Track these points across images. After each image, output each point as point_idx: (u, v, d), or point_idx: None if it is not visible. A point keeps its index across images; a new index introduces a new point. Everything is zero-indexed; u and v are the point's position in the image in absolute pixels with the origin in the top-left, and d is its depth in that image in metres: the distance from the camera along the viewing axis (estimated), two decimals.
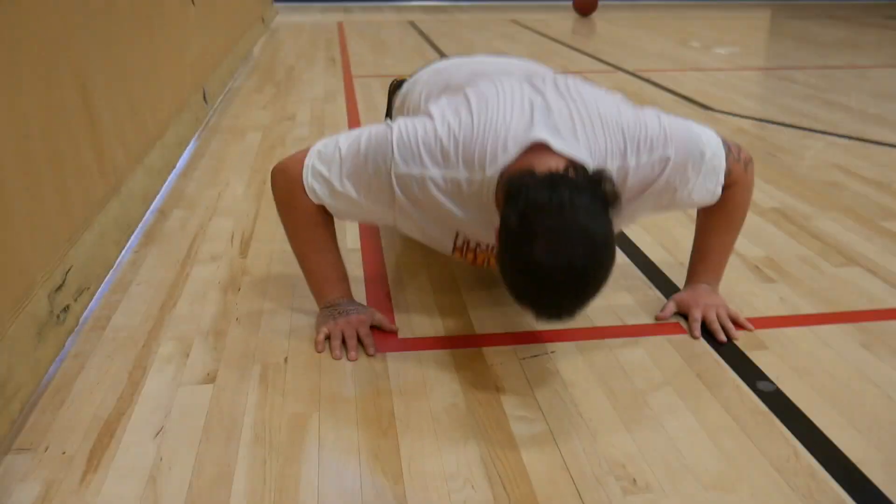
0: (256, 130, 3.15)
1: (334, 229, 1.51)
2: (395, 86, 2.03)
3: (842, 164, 2.66)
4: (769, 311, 1.64)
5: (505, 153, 1.28)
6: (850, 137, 3.02)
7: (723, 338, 1.51)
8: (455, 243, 1.48)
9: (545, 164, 1.23)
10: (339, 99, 3.75)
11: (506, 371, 1.42)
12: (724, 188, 1.48)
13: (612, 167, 1.33)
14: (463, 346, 1.51)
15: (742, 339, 1.52)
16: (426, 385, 1.38)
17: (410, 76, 1.89)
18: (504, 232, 1.17)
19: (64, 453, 1.20)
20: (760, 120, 3.32)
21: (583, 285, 1.14)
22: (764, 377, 1.40)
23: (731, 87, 4.06)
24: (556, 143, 1.27)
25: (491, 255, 1.50)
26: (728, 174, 1.46)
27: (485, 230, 1.40)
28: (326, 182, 1.41)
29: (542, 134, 1.28)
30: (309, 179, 1.42)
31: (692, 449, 1.21)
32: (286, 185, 1.45)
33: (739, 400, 1.33)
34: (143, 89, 2.28)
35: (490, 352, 1.49)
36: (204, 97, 3.22)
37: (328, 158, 1.41)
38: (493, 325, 1.58)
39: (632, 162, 1.34)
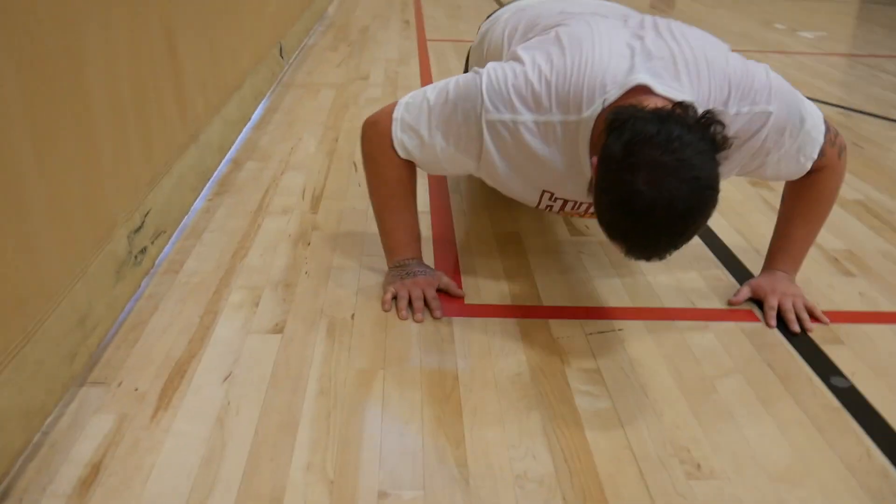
0: (330, 88, 3.16)
1: (416, 188, 1.51)
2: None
3: None
4: (847, 305, 1.59)
5: (604, 94, 1.23)
6: None
7: (797, 328, 1.46)
8: (539, 202, 1.45)
9: (650, 104, 1.17)
10: (413, 62, 3.73)
11: (572, 345, 1.41)
12: (815, 171, 1.43)
13: None
14: (529, 315, 1.50)
15: (817, 332, 1.47)
16: (491, 352, 1.37)
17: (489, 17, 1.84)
18: (604, 160, 1.11)
19: (136, 389, 1.23)
20: (846, 108, 3.20)
21: (682, 225, 1.08)
22: (838, 372, 1.36)
23: (815, 73, 3.92)
24: (658, 87, 1.22)
25: (577, 213, 1.47)
26: (822, 154, 1.41)
27: (575, 184, 1.35)
28: (416, 133, 1.39)
29: (644, 77, 1.22)
30: (398, 133, 1.41)
31: (760, 439, 1.18)
32: (376, 138, 1.45)
33: (812, 394, 1.30)
34: (225, 40, 2.30)
35: (556, 324, 1.47)
36: (280, 52, 3.24)
37: (416, 109, 1.40)
38: (561, 297, 1.57)
39: (733, 110, 1.29)
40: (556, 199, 1.43)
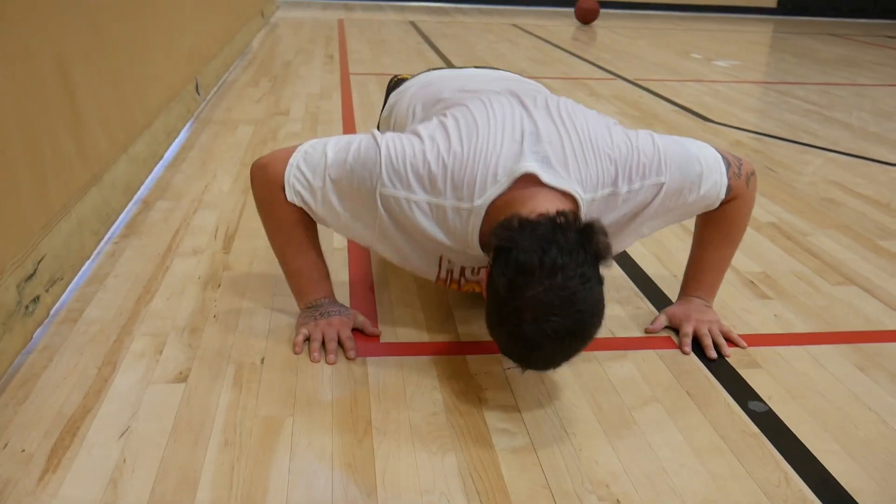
0: (248, 124, 3.10)
1: (316, 228, 1.46)
2: (393, 85, 1.98)
3: (840, 182, 2.62)
4: (763, 328, 1.60)
5: (495, 184, 1.26)
6: (849, 154, 2.99)
7: (713, 354, 1.46)
8: (439, 271, 1.43)
9: (535, 205, 1.21)
10: (335, 96, 3.70)
11: (490, 381, 1.37)
12: (724, 202, 1.44)
13: (603, 194, 1.31)
14: (447, 353, 1.46)
15: (734, 357, 1.47)
16: (406, 393, 1.33)
17: (410, 77, 1.84)
18: (492, 293, 1.17)
19: (23, 451, 1.14)
20: (759, 133, 3.29)
21: (569, 349, 1.17)
22: (756, 397, 1.35)
23: (730, 100, 4.02)
24: (545, 176, 1.25)
25: (476, 285, 1.46)
26: (728, 190, 1.42)
27: (468, 256, 1.37)
28: (309, 187, 1.36)
29: (532, 166, 1.26)
30: (291, 180, 1.37)
31: (679, 469, 1.16)
32: (267, 183, 1.40)
33: (730, 419, 1.29)
34: (131, 76, 2.22)
35: (474, 360, 1.44)
36: (197, 88, 3.17)
37: (314, 163, 1.36)
38: (479, 333, 1.53)
39: (623, 188, 1.32)
40: (454, 265, 1.42)
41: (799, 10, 9.28)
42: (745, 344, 1.50)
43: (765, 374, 1.43)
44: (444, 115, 1.38)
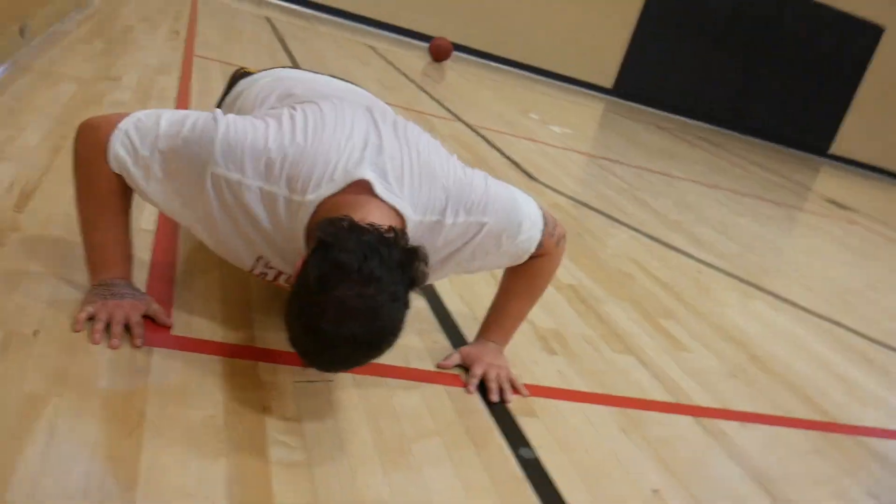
0: (72, 82, 2.89)
1: (131, 204, 1.40)
2: (238, 76, 1.93)
3: (639, 259, 2.84)
4: (546, 381, 1.69)
5: (330, 183, 1.27)
6: (650, 237, 3.25)
7: (496, 398, 1.53)
8: (254, 267, 1.41)
9: (365, 214, 1.23)
10: (174, 73, 3.54)
11: (277, 392, 1.35)
12: (532, 256, 1.52)
13: (430, 220, 1.35)
14: (238, 356, 1.43)
15: (515, 404, 1.55)
16: (188, 390, 1.28)
17: (256, 72, 1.81)
18: (301, 282, 1.16)
19: None
20: (576, 201, 3.50)
21: (358, 357, 1.19)
22: (528, 444, 1.43)
23: (557, 163, 4.26)
24: (379, 188, 1.27)
25: (287, 285, 1.46)
26: (540, 245, 1.51)
27: (288, 258, 1.36)
28: (133, 154, 1.30)
29: (369, 174, 1.28)
30: (116, 145, 1.30)
31: (445, 503, 1.20)
32: (92, 144, 1.32)
33: (501, 462, 1.35)
34: None
35: (266, 368, 1.41)
36: (21, 31, 2.92)
37: (145, 130, 1.30)
38: (276, 341, 1.51)
39: (449, 220, 1.37)
40: (270, 267, 1.41)
41: (631, 96, 10.02)
42: (527, 392, 1.59)
43: (540, 423, 1.51)
44: (294, 108, 1.38)
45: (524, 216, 1.47)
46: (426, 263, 1.20)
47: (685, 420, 1.71)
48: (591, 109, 8.05)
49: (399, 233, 1.20)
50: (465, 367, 1.61)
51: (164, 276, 1.64)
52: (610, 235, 3.07)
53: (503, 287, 1.63)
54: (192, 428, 1.19)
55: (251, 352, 1.45)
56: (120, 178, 1.33)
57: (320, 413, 1.33)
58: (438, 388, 1.52)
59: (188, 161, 1.28)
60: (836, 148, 11.29)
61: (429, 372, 1.58)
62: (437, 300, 1.93)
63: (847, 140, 11.26)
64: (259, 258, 1.39)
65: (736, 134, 10.46)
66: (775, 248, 3.91)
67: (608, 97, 9.88)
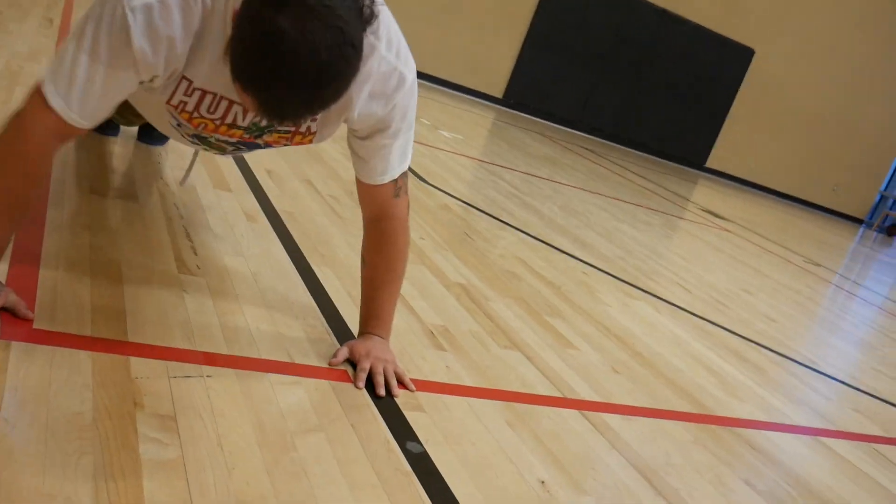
0: None
1: (29, 204, 1.33)
2: None
3: (525, 260, 2.88)
4: (434, 376, 1.67)
5: None
6: (537, 238, 3.30)
7: (383, 392, 1.50)
8: (174, 93, 1.32)
9: None
10: (45, 62, 3.34)
11: (151, 387, 1.28)
12: (385, 219, 1.53)
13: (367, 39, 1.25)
14: (109, 350, 1.34)
15: (402, 398, 1.52)
16: (51, 387, 1.19)
17: None
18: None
19: None
20: (466, 203, 3.52)
21: (321, 78, 1.05)
22: (415, 438, 1.40)
23: (447, 168, 4.27)
24: None
25: (211, 122, 1.39)
26: (398, 191, 1.52)
27: (220, 70, 1.24)
28: (67, 75, 1.21)
29: None
30: (51, 90, 1.22)
31: (330, 500, 1.16)
32: (14, 121, 1.26)
33: (387, 457, 1.32)
34: None
35: (139, 363, 1.33)
36: None
37: (62, 58, 1.23)
38: (152, 335, 1.43)
39: (383, 47, 1.31)
40: (193, 90, 1.31)
41: (520, 106, 10.22)
42: (413, 388, 1.56)
43: (427, 418, 1.49)
44: None
45: (411, 127, 1.46)
46: (373, 4, 1.11)
47: (570, 414, 1.73)
48: (481, 117, 8.15)
49: None
50: (353, 362, 1.57)
51: (28, 267, 1.52)
52: (498, 237, 3.10)
53: (365, 277, 1.62)
54: (55, 426, 1.10)
55: (122, 346, 1.37)
56: (34, 173, 1.28)
57: (197, 409, 1.26)
58: (323, 384, 1.48)
59: (108, 27, 1.18)
60: (711, 162, 11.87)
61: (313, 367, 1.53)
62: (324, 296, 1.88)
63: (721, 155, 11.87)
64: (182, 79, 1.30)
65: (619, 146, 10.84)
66: (656, 253, 4.05)
67: (498, 107, 10.04)
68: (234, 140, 1.51)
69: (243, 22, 1.06)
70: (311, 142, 1.50)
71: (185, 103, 1.36)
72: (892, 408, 2.67)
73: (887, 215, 13.05)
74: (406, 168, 1.54)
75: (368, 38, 1.22)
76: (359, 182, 1.54)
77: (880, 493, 1.88)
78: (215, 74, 1.30)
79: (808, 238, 7.89)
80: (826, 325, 3.92)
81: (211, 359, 1.42)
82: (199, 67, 1.29)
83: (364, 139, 1.46)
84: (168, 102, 1.36)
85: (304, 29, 1.01)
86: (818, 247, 7.44)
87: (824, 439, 2.13)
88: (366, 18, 1.11)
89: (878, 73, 12.32)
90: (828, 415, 2.37)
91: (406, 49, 1.39)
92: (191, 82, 1.32)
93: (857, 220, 13.44)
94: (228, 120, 1.43)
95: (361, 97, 1.37)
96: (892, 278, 7.45)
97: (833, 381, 2.77)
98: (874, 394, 2.77)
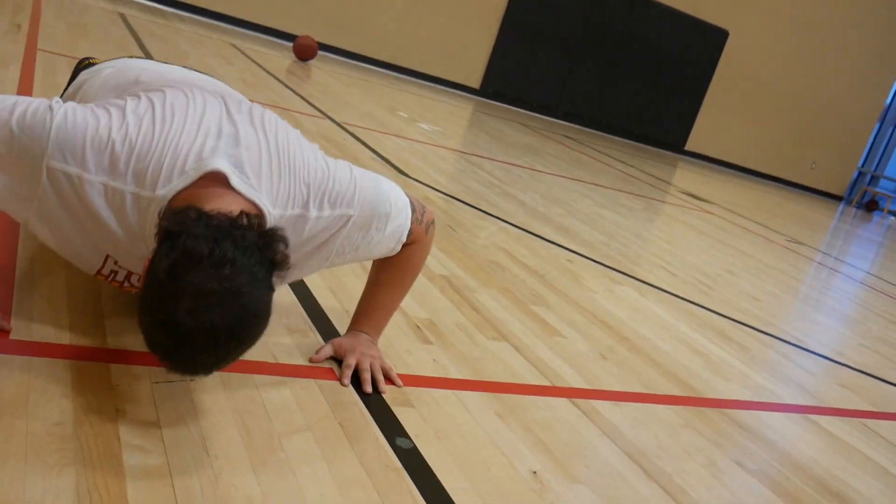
0: None
1: None
2: (82, 66, 1.79)
3: (508, 249, 2.87)
4: (421, 370, 1.66)
5: (182, 175, 1.18)
6: (519, 227, 3.29)
7: (370, 389, 1.48)
8: (102, 267, 1.30)
9: (219, 203, 1.14)
10: (14, 68, 3.28)
11: (133, 394, 1.25)
12: (404, 245, 1.49)
13: (293, 214, 1.28)
14: (88, 358, 1.31)
15: (390, 394, 1.50)
16: (30, 398, 1.16)
17: (101, 62, 1.68)
18: (150, 277, 1.05)
19: None
20: (446, 195, 3.50)
21: (224, 350, 1.07)
22: (404, 433, 1.39)
23: (426, 160, 4.25)
24: (235, 180, 1.20)
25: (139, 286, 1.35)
26: (409, 233, 1.47)
27: (139, 259, 1.25)
28: None
29: (223, 165, 1.20)
30: None
31: (318, 499, 1.14)
32: None
33: (376, 454, 1.30)
34: None
35: (119, 370, 1.31)
36: None
37: None
38: (132, 341, 1.40)
39: (313, 213, 1.31)
40: (120, 267, 1.31)
41: (497, 96, 10.20)
42: (401, 383, 1.55)
43: (415, 413, 1.47)
44: (139, 96, 1.27)
45: (391, 205, 1.42)
46: (286, 245, 1.12)
47: (560, 402, 1.72)
48: (459, 108, 8.13)
49: (252, 217, 1.11)
50: (338, 360, 1.55)
51: (2, 276, 1.49)
52: (480, 227, 3.08)
53: (373, 278, 1.59)
54: (34, 437, 1.08)
55: (101, 354, 1.34)
56: None
57: (181, 415, 1.24)
58: (309, 383, 1.46)
59: (19, 153, 1.15)
60: (690, 144, 11.92)
61: (298, 367, 1.51)
62: (307, 295, 1.86)
63: (700, 137, 11.91)
64: (107, 258, 1.28)
65: (598, 132, 10.85)
66: (639, 237, 4.05)
67: (476, 97, 10.02)
68: None
69: (146, 300, 1.07)
70: None
71: (116, 273, 1.33)
72: (879, 382, 2.69)
73: (866, 191, 13.17)
74: (407, 221, 1.46)
75: (294, 212, 1.28)
76: None
77: (871, 468, 1.89)
78: (137, 264, 1.29)
79: (789, 217, 7.94)
80: (810, 302, 3.94)
81: None
82: (122, 256, 1.29)
83: (353, 259, 1.46)
84: (99, 272, 1.33)
85: (202, 316, 1.02)
86: (799, 225, 7.49)
87: (813, 416, 2.14)
88: (278, 265, 1.11)
89: (851, 50, 12.40)
90: (815, 391, 2.38)
91: (333, 182, 1.34)
92: (116, 261, 1.30)
93: (837, 197, 13.55)
94: None
95: (314, 260, 1.39)
96: (874, 253, 7.52)
97: (819, 358, 2.78)
98: (860, 368, 2.78)
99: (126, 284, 1.35)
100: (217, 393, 1.33)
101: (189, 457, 1.14)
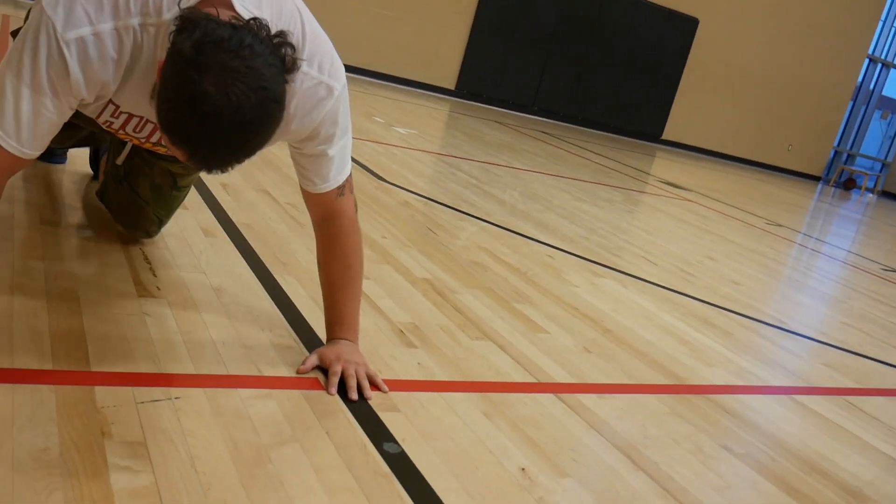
0: None
1: None
2: None
3: (489, 249, 2.88)
4: (406, 374, 1.67)
5: None
6: (499, 226, 3.30)
7: (356, 396, 1.49)
8: (102, 111, 1.35)
9: (225, 16, 1.16)
10: None
11: (118, 415, 1.26)
12: (331, 218, 1.54)
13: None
14: (71, 382, 1.31)
15: (376, 400, 1.51)
16: (14, 425, 1.16)
17: None
18: (173, 57, 1.07)
19: None
20: (425, 198, 3.51)
21: (246, 134, 1.10)
22: (392, 439, 1.40)
23: (404, 164, 4.26)
24: (237, 3, 1.21)
25: (137, 139, 1.44)
26: (342, 191, 1.52)
27: (145, 97, 1.28)
28: (11, 110, 1.22)
29: None
30: None
31: None
32: None
33: (364, 460, 1.31)
34: None
35: (104, 391, 1.31)
36: None
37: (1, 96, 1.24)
38: (115, 362, 1.40)
39: (303, 65, 1.32)
40: (119, 112, 1.34)
41: (473, 96, 10.23)
42: (386, 388, 1.55)
43: (402, 417, 1.48)
44: None
45: (349, 132, 1.48)
46: (293, 48, 1.14)
47: (546, 398, 1.73)
48: (435, 111, 8.14)
49: (263, 22, 1.13)
50: (324, 369, 1.56)
51: None
52: (460, 228, 3.10)
53: (324, 282, 1.62)
54: (21, 463, 1.08)
55: (85, 376, 1.34)
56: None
57: (167, 432, 1.24)
58: (295, 394, 1.47)
59: (47, 60, 1.20)
60: (667, 134, 11.99)
61: (283, 378, 1.51)
62: (288, 304, 1.86)
63: (677, 126, 11.99)
64: (109, 103, 1.33)
65: (575, 127, 10.90)
66: (619, 229, 4.08)
67: (452, 98, 10.04)
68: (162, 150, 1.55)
69: (168, 81, 1.09)
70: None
71: (112, 123, 1.39)
72: (862, 359, 2.72)
73: (843, 170, 13.28)
74: (348, 174, 1.54)
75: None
76: (302, 190, 1.55)
77: (857, 445, 1.91)
78: (142, 102, 1.33)
79: (768, 200, 8.01)
80: (791, 283, 3.98)
81: (178, 380, 1.41)
82: (127, 95, 1.32)
83: (301, 151, 1.49)
84: (96, 119, 1.38)
85: (228, 91, 1.05)
86: (779, 207, 7.56)
87: (798, 397, 2.17)
88: (288, 68, 1.15)
89: (820, 30, 12.51)
90: (799, 372, 2.41)
91: (330, 57, 1.40)
92: (118, 106, 1.35)
93: (815, 178, 13.68)
94: (153, 139, 1.49)
95: (289, 116, 1.39)
96: (853, 231, 7.60)
97: (802, 339, 2.81)
98: (843, 347, 2.82)
99: (122, 132, 1.41)
100: (203, 409, 1.33)
101: (177, 475, 1.15)
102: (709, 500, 1.46)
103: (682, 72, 11.69)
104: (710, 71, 11.84)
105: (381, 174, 3.75)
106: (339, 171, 1.51)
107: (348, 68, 9.09)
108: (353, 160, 3.92)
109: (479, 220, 3.31)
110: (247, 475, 1.19)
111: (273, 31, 1.14)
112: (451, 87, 10.14)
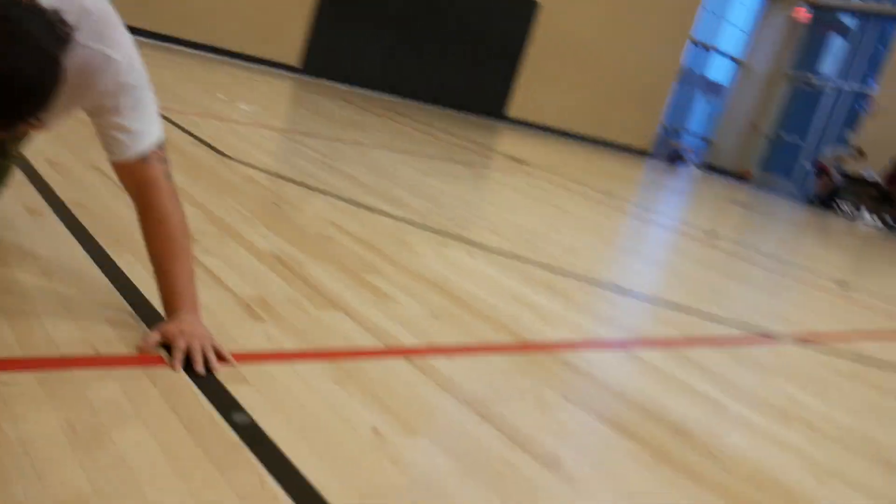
0: None
1: None
2: None
3: (337, 222, 2.87)
4: (254, 346, 1.65)
5: None
6: (347, 201, 3.30)
7: (202, 370, 1.45)
8: None
9: None
10: None
11: None
12: (143, 187, 1.53)
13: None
14: None
15: (223, 373, 1.48)
16: None
17: None
18: None
19: None
20: (271, 173, 3.45)
21: (23, 97, 1.12)
22: (241, 410, 1.38)
23: (249, 141, 4.16)
24: None
25: None
26: (149, 159, 1.52)
27: None
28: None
29: None
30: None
31: (155, 486, 1.11)
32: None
33: (214, 433, 1.28)
34: None
35: None
36: None
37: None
38: None
39: (81, 39, 1.32)
40: None
41: (319, 73, 10.08)
42: (233, 360, 1.53)
43: (251, 389, 1.46)
44: None
45: (149, 102, 1.51)
46: (69, 28, 1.17)
47: (396, 362, 1.76)
48: (279, 87, 7.98)
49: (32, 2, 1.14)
50: (167, 346, 1.51)
51: None
52: (307, 203, 3.07)
53: (152, 255, 1.58)
54: None
55: None
56: None
57: None
58: (137, 372, 1.41)
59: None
60: (514, 112, 12.33)
61: (123, 357, 1.46)
62: (125, 281, 1.78)
63: (520, 103, 12.35)
64: None
65: (422, 104, 10.99)
66: (465, 202, 4.17)
67: (297, 75, 9.85)
68: None
69: None
70: (45, 131, 1.46)
71: None
72: (688, 314, 2.94)
73: (671, 145, 14.17)
74: (152, 142, 1.53)
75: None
76: (111, 162, 1.54)
77: (685, 390, 2.07)
78: None
79: (604, 174, 8.43)
80: (626, 250, 4.23)
81: (7, 365, 1.32)
82: None
83: (95, 121, 1.50)
84: None
85: (5, 52, 1.06)
86: (614, 180, 7.98)
87: (634, 351, 2.31)
88: (60, 37, 1.17)
89: (649, 12, 13.23)
90: (633, 328, 2.57)
91: (112, 29, 1.42)
92: None
93: (646, 153, 14.49)
94: None
95: (70, 87, 1.37)
96: (682, 201, 8.14)
97: (635, 299, 3.00)
98: (672, 303, 3.03)
99: None
100: (35, 393, 1.26)
101: (7, 462, 1.08)
102: (552, 447, 1.54)
103: (522, 51, 12.03)
104: (549, 51, 12.26)
105: (224, 150, 3.64)
106: (136, 139, 1.50)
107: (185, 43, 8.75)
108: (195, 136, 3.79)
109: (325, 195, 3.29)
110: (87, 458, 1.14)
111: (49, 8, 1.16)
112: (297, 63, 9.95)
